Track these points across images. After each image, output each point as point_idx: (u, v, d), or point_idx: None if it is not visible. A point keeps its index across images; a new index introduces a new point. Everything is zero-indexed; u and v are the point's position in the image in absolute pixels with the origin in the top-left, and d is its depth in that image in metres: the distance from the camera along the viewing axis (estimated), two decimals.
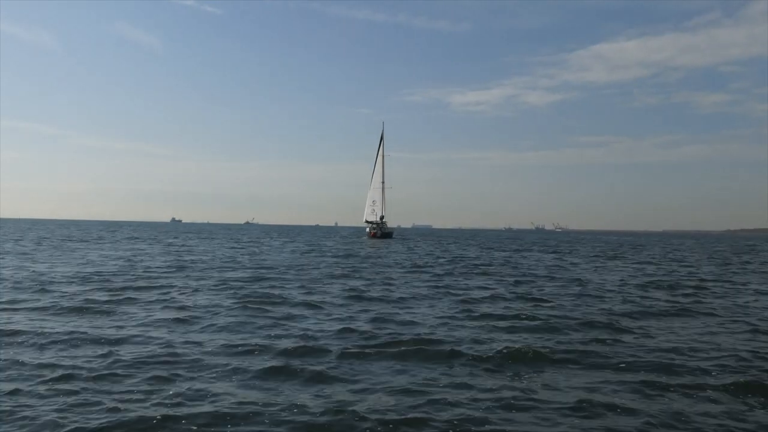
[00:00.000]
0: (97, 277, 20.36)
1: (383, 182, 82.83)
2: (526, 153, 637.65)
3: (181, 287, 17.88)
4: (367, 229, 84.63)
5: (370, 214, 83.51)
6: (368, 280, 21.90)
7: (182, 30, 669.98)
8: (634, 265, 34.08)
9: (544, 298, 17.17)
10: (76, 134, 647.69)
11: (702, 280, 24.62)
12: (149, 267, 25.28)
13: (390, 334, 11.16)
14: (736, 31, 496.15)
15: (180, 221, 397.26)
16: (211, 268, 25.62)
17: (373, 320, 12.77)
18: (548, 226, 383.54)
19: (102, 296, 15.58)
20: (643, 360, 9.34)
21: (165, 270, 23.92)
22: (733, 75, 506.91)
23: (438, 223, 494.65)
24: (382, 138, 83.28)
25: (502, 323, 12.60)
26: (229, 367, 8.38)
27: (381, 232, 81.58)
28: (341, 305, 15.05)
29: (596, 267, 32.20)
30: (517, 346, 10.03)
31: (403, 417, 6.45)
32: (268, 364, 8.64)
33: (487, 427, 6.28)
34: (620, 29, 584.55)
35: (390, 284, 20.54)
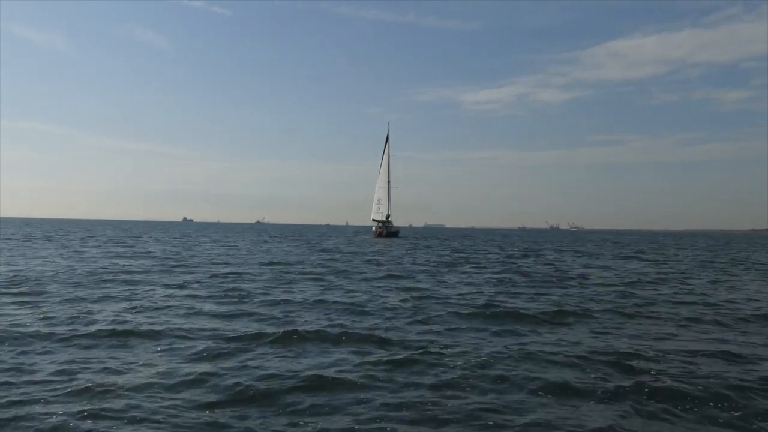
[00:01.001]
0: None
1: (389, 182, 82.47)
2: (539, 152, 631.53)
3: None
4: (373, 228, 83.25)
5: (376, 213, 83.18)
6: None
7: (192, 31, 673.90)
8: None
9: None
10: (87, 135, 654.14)
11: None
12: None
13: None
14: (758, 26, 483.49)
15: (191, 221, 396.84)
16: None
17: None
18: (563, 226, 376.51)
19: None
20: None
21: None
22: (755, 71, 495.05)
23: (451, 223, 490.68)
24: (387, 138, 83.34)
25: None
26: None
27: (387, 230, 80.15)
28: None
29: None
30: None
31: None
32: None
33: None
34: (636, 26, 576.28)
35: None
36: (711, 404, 6.58)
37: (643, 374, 7.77)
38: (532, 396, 6.85)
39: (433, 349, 9.08)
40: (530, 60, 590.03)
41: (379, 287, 18.04)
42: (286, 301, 14.25)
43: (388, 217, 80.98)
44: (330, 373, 7.61)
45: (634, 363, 8.32)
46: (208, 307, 13.22)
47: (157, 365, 7.98)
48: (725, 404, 6.57)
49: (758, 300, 16.35)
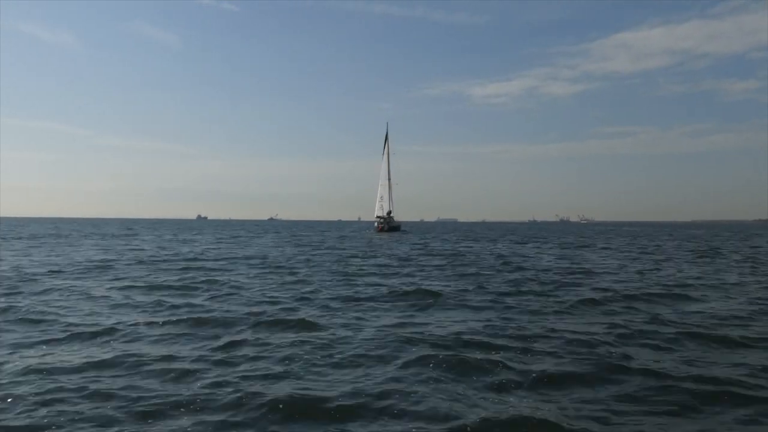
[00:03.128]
0: None
1: (390, 179, 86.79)
2: (549, 145, 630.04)
3: None
4: (375, 224, 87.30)
5: (378, 209, 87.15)
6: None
7: (201, 28, 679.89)
8: None
9: None
10: (99, 134, 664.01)
11: None
12: None
13: None
14: (763, 17, 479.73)
15: (206, 218, 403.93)
16: None
17: None
18: (573, 218, 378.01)
19: None
20: None
21: None
22: (762, 61, 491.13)
23: (463, 217, 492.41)
24: (387, 137, 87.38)
25: None
26: None
27: (388, 226, 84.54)
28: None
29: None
30: None
31: None
32: None
33: None
34: (643, 17, 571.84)
35: None
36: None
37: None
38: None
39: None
40: (539, 53, 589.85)
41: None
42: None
43: (389, 213, 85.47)
44: None
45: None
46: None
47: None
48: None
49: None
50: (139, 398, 6.87)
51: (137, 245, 42.55)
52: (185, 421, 6.21)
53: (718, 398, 7.04)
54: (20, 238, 51.53)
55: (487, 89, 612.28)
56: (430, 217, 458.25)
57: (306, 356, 8.86)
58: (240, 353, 9.08)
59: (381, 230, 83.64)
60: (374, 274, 22.05)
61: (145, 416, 6.35)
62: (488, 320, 12.10)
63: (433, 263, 27.51)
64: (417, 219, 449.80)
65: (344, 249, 40.08)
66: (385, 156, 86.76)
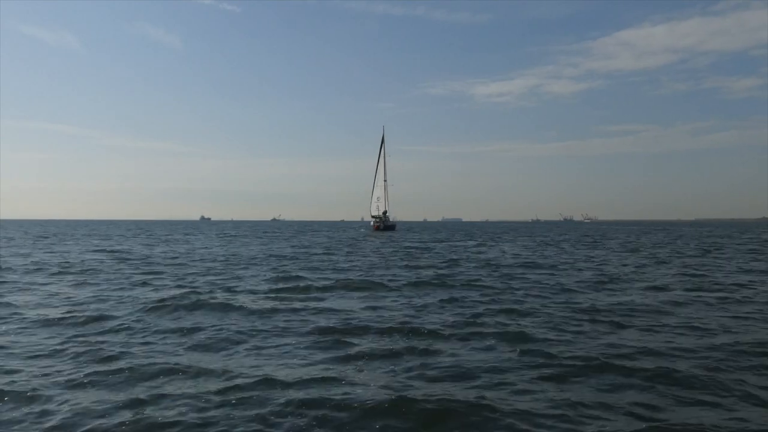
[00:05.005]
0: None
1: (386, 180, 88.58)
2: (551, 144, 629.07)
3: None
4: (371, 223, 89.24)
5: (375, 209, 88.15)
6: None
7: (202, 28, 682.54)
8: None
9: None
10: (101, 134, 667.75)
11: None
12: None
13: None
14: (766, 13, 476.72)
15: (209, 219, 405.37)
16: None
17: None
18: (576, 217, 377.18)
19: None
20: None
21: None
22: (765, 58, 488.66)
23: (467, 216, 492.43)
24: (383, 140, 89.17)
25: None
26: None
27: (384, 225, 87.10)
28: None
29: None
30: None
31: None
32: None
33: None
34: (645, 15, 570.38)
35: None
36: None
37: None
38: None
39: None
40: (541, 51, 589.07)
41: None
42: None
43: (385, 212, 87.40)
44: None
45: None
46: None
47: None
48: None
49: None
50: None
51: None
52: None
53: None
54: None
55: (489, 88, 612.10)
56: (435, 216, 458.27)
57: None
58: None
59: (377, 229, 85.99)
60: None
61: None
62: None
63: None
64: (420, 219, 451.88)
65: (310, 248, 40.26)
66: (381, 157, 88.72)
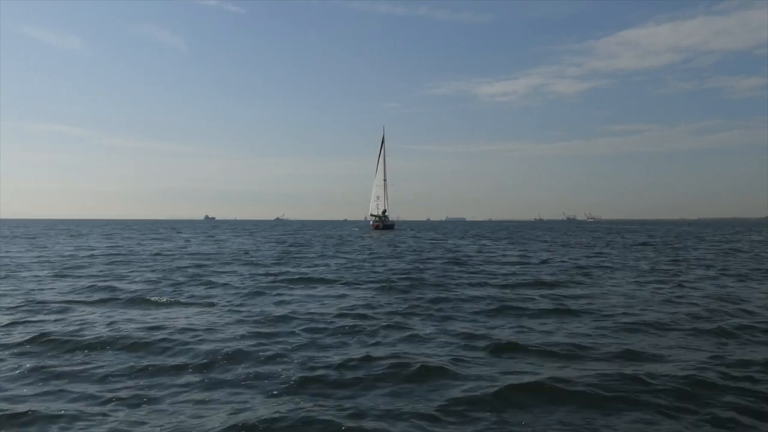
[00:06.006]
0: None
1: (385, 180, 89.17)
2: (555, 143, 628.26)
3: None
4: (371, 222, 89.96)
5: (374, 208, 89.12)
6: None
7: (206, 30, 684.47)
8: None
9: None
10: (107, 136, 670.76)
11: None
12: None
13: None
14: None
15: (213, 218, 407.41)
16: None
17: None
18: (580, 216, 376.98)
19: None
20: None
21: None
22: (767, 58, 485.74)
23: (471, 216, 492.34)
24: (383, 141, 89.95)
25: None
26: None
27: (383, 224, 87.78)
28: None
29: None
30: None
31: None
32: None
33: None
34: (648, 14, 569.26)
35: None
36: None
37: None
38: None
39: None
40: (545, 51, 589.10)
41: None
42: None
43: (384, 212, 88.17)
44: None
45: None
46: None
47: None
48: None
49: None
50: None
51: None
52: None
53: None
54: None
55: (493, 88, 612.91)
56: (439, 216, 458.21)
57: None
58: None
59: (376, 228, 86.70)
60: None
61: None
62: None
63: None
64: (423, 218, 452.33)
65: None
66: (381, 158, 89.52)
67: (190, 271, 21.28)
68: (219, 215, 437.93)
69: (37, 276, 19.28)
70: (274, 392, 6.82)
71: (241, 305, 13.15)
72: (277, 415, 5.96)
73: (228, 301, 13.73)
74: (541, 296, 14.85)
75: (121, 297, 14.30)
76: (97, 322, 11.07)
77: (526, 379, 7.24)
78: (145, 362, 8.08)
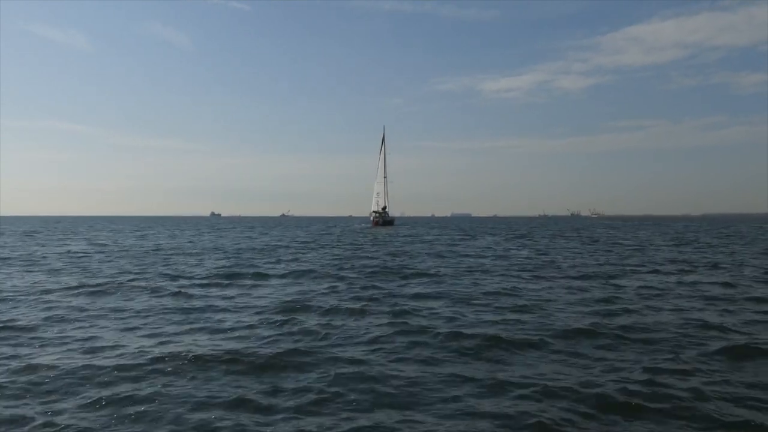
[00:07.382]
0: None
1: (385, 177, 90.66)
2: (560, 139, 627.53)
3: None
4: (371, 218, 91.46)
5: (374, 204, 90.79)
6: None
7: (212, 27, 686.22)
8: None
9: None
10: (111, 133, 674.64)
11: None
12: None
13: None
14: None
15: (219, 215, 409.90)
16: None
17: None
18: (584, 213, 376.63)
19: None
20: None
21: None
22: None
23: (477, 212, 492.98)
24: (383, 138, 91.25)
25: None
26: None
27: (383, 220, 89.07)
28: None
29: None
30: None
31: None
32: None
33: None
34: (654, 10, 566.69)
35: None
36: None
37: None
38: None
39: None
40: (550, 47, 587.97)
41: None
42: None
43: (384, 208, 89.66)
44: None
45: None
46: None
47: None
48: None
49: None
50: None
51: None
52: None
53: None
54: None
55: (498, 83, 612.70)
56: (444, 212, 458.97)
57: None
58: None
59: (376, 224, 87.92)
60: None
61: None
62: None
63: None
64: (428, 214, 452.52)
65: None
66: (382, 155, 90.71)
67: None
68: (224, 212, 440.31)
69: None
70: None
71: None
72: None
73: None
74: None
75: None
76: None
77: None
78: None
